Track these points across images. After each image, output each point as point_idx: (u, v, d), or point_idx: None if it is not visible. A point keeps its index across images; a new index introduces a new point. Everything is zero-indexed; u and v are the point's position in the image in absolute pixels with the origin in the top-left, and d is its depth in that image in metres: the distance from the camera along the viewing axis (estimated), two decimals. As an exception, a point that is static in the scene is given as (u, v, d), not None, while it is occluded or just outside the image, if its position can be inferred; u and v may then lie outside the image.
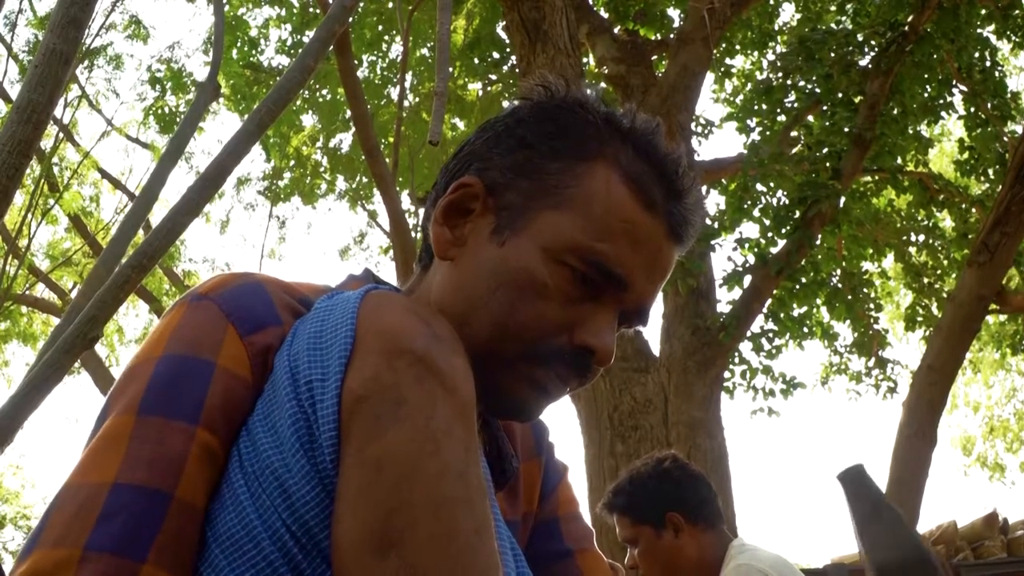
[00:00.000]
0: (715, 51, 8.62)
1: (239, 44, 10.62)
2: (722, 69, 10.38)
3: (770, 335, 7.72)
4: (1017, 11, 8.33)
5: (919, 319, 9.04)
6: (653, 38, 8.90)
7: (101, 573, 0.72)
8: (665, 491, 2.40)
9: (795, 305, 7.82)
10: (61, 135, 10.85)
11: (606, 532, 6.38)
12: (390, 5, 10.02)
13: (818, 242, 7.69)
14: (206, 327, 0.83)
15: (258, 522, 0.76)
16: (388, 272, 11.64)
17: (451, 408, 0.76)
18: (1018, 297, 7.93)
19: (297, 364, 0.80)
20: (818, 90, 7.95)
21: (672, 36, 8.75)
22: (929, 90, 8.49)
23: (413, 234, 6.90)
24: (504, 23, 8.40)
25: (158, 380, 0.80)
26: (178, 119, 10.92)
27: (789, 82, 8.09)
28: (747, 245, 7.56)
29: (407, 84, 10.05)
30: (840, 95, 7.74)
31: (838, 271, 8.63)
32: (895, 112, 7.96)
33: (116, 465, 0.76)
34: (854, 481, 0.72)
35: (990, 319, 10.23)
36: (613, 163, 0.90)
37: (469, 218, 0.92)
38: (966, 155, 8.86)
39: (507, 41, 9.12)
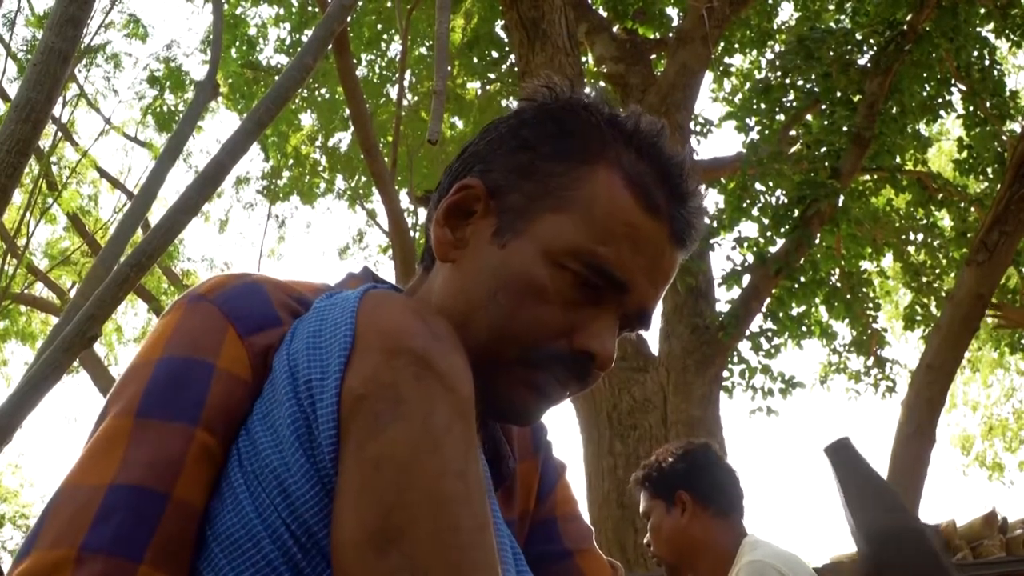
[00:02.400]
0: (714, 50, 8.62)
1: (238, 43, 10.61)
2: (721, 68, 10.38)
3: (769, 334, 7.72)
4: (1016, 10, 8.32)
5: (918, 318, 9.04)
6: (652, 37, 8.91)
7: (98, 574, 0.72)
8: (680, 469, 2.46)
9: (794, 304, 7.82)
10: (60, 134, 10.85)
11: (607, 531, 6.38)
12: (389, 4, 10.01)
13: (817, 241, 7.70)
14: (205, 328, 0.83)
15: (258, 522, 0.76)
16: (387, 271, 11.65)
17: (450, 406, 0.76)
18: (1019, 312, 7.91)
19: (296, 363, 0.80)
20: (817, 89, 7.95)
21: (671, 35, 8.76)
22: (928, 89, 8.50)
23: (412, 233, 6.91)
24: (503, 22, 8.41)
25: (157, 382, 0.80)
26: (177, 118, 10.92)
27: (788, 81, 8.09)
28: (746, 244, 7.57)
29: (406, 83, 10.04)
30: (839, 94, 7.74)
31: (837, 270, 8.63)
32: (894, 111, 7.96)
33: (114, 467, 0.76)
34: (842, 453, 0.71)
35: (989, 318, 10.24)
36: (616, 166, 0.89)
37: (471, 220, 0.92)
38: (965, 154, 8.86)
39: (506, 40, 9.12)
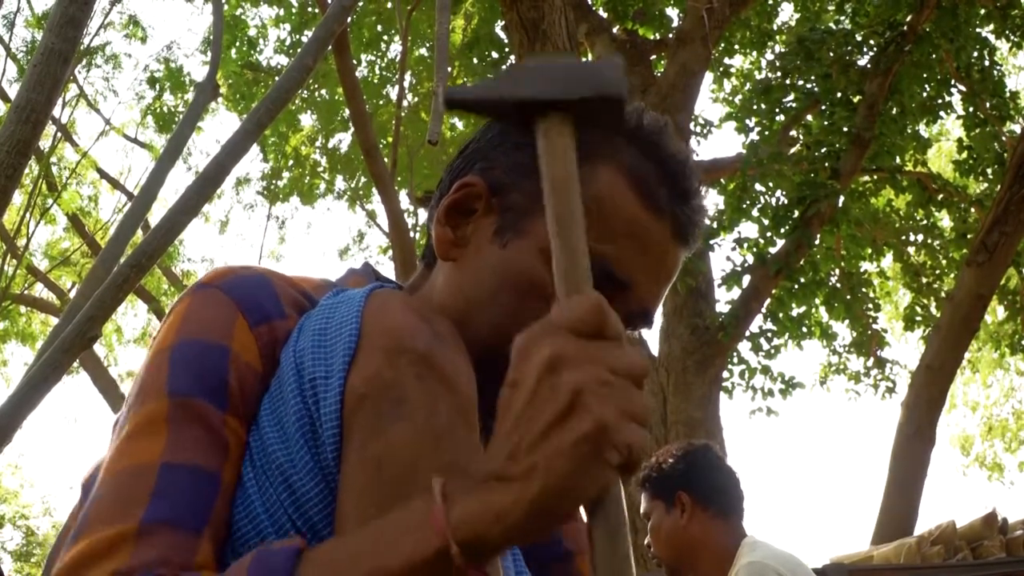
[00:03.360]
0: (714, 51, 8.62)
1: (238, 44, 10.62)
2: (721, 69, 10.38)
3: (769, 335, 7.72)
4: (1016, 11, 8.33)
5: (918, 319, 9.04)
6: (652, 38, 8.91)
7: (163, 544, 0.71)
8: (681, 470, 2.45)
9: (794, 305, 7.82)
10: (59, 135, 10.86)
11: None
12: (389, 5, 10.02)
13: (817, 242, 7.70)
14: (216, 313, 0.83)
15: (265, 517, 0.77)
16: (387, 272, 11.64)
17: (452, 406, 0.76)
18: None
19: (302, 361, 0.80)
20: (817, 90, 7.95)
21: (671, 36, 8.76)
22: (928, 90, 8.50)
23: (412, 234, 6.91)
24: (503, 23, 8.41)
25: (179, 364, 0.80)
26: (177, 119, 10.93)
27: (788, 82, 8.10)
28: (746, 245, 7.57)
29: (406, 84, 10.05)
30: (839, 95, 7.74)
31: (837, 271, 8.63)
32: (894, 112, 7.97)
33: (160, 446, 0.75)
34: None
35: (988, 319, 10.24)
36: (618, 163, 0.88)
37: (472, 218, 0.91)
38: (965, 155, 8.86)
39: (506, 41, 9.12)
